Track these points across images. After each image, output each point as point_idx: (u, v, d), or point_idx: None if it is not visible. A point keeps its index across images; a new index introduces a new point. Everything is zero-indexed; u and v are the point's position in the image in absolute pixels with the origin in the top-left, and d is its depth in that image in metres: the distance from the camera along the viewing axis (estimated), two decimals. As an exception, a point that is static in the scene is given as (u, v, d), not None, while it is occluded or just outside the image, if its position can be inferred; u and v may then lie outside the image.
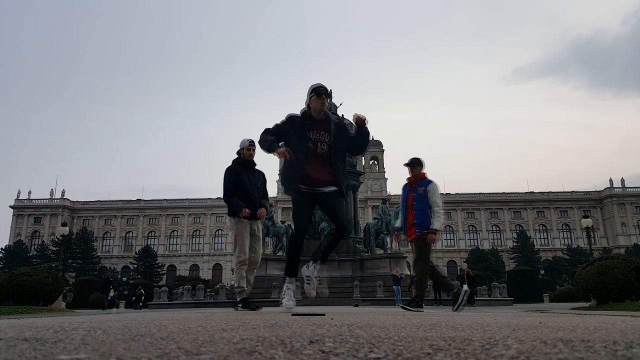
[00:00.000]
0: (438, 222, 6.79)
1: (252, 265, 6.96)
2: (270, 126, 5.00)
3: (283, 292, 5.27)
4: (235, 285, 6.94)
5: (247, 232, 6.78)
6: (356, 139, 4.99)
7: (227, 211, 7.01)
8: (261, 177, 7.08)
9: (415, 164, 6.99)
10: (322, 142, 4.88)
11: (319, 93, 4.85)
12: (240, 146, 6.96)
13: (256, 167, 7.05)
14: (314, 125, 4.89)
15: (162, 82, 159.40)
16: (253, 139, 6.91)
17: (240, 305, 6.67)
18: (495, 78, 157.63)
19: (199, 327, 2.28)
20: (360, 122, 4.81)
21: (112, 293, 34.63)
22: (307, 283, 5.01)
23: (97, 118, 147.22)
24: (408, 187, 7.09)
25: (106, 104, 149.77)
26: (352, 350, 1.30)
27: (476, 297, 25.46)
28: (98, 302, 33.28)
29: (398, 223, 7.42)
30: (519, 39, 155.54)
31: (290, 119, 4.97)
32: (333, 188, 4.93)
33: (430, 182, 6.91)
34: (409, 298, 7.30)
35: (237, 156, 6.98)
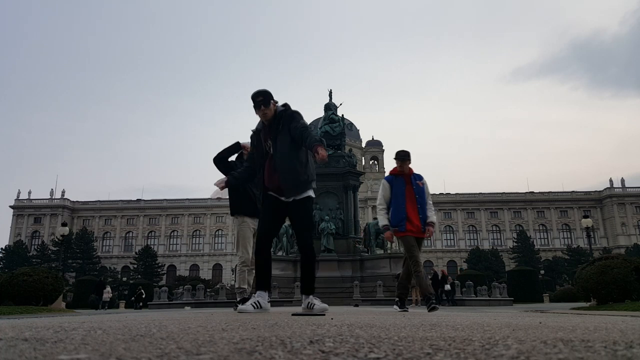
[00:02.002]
0: (435, 216, 6.70)
1: (252, 265, 6.95)
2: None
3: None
4: (236, 286, 6.93)
5: (250, 232, 6.77)
6: (301, 140, 4.52)
7: (227, 211, 7.02)
8: None
9: (406, 157, 6.74)
10: (271, 146, 4.72)
11: (255, 106, 4.71)
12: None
13: None
14: (266, 131, 4.77)
15: (162, 82, 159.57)
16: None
17: (240, 305, 6.66)
18: (494, 78, 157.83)
19: (199, 327, 2.28)
20: (316, 155, 4.32)
21: (108, 294, 35.05)
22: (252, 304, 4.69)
23: (97, 118, 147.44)
24: (402, 180, 6.67)
25: (106, 104, 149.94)
26: (352, 350, 1.30)
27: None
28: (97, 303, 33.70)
29: (384, 220, 6.71)
30: (518, 39, 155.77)
31: (251, 139, 4.94)
32: (292, 197, 4.63)
33: (422, 176, 6.81)
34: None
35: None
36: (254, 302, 4.74)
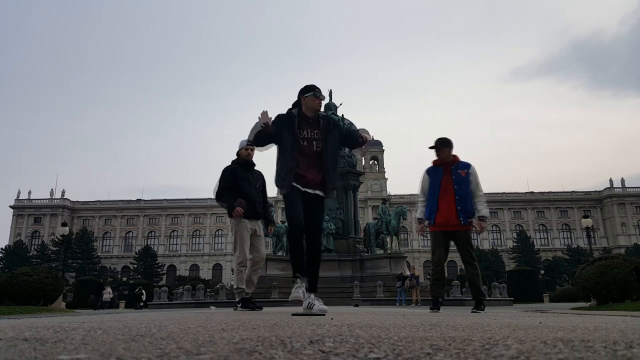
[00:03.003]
0: (486, 209, 6.17)
1: (256, 265, 6.93)
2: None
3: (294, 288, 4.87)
4: (235, 286, 6.96)
5: (247, 233, 6.78)
6: (350, 138, 4.98)
7: (227, 212, 7.02)
8: (260, 178, 7.08)
9: (444, 145, 6.23)
10: (317, 140, 4.75)
11: (318, 94, 4.78)
12: (239, 147, 6.98)
13: (255, 168, 7.05)
14: (306, 123, 4.78)
15: (162, 82, 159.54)
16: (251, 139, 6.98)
17: (239, 306, 6.71)
18: (494, 78, 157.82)
19: (199, 327, 2.28)
20: (363, 140, 4.87)
21: (109, 295, 35.70)
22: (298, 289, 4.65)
23: (97, 118, 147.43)
24: (442, 171, 6.27)
25: (106, 104, 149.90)
26: (352, 350, 1.30)
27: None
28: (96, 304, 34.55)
29: (419, 213, 6.43)
30: (518, 39, 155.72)
31: (279, 117, 4.82)
32: (319, 192, 4.76)
33: (471, 164, 6.31)
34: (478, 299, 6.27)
35: (236, 157, 7.02)
36: (303, 290, 4.68)
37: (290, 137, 4.69)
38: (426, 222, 6.36)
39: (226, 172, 6.82)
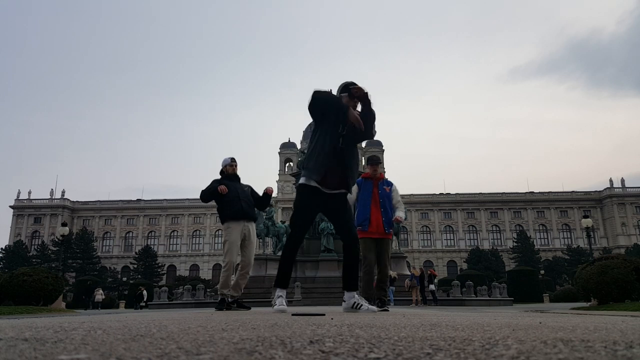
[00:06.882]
0: (404, 213, 6.96)
1: (244, 269, 7.16)
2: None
3: (274, 300, 4.84)
4: (219, 288, 7.18)
5: (237, 237, 6.90)
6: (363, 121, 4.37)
7: (219, 216, 7.24)
8: (247, 188, 7.28)
9: (379, 162, 7.09)
10: (344, 137, 4.43)
11: (351, 96, 4.39)
12: (222, 165, 7.20)
13: (241, 182, 7.28)
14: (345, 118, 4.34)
15: (162, 82, 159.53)
16: (234, 157, 7.23)
17: (234, 306, 6.93)
18: (493, 78, 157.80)
19: (199, 327, 2.28)
20: (362, 95, 4.24)
21: (101, 296, 36.98)
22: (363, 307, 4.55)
23: (97, 118, 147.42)
24: (371, 183, 6.82)
25: (106, 104, 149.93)
26: (352, 350, 1.30)
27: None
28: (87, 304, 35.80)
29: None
30: (516, 39, 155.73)
31: (340, 94, 4.42)
32: (343, 190, 4.50)
33: (392, 182, 7.11)
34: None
35: (220, 175, 7.24)
36: (285, 301, 4.77)
37: (332, 125, 4.33)
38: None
39: (211, 182, 7.07)
